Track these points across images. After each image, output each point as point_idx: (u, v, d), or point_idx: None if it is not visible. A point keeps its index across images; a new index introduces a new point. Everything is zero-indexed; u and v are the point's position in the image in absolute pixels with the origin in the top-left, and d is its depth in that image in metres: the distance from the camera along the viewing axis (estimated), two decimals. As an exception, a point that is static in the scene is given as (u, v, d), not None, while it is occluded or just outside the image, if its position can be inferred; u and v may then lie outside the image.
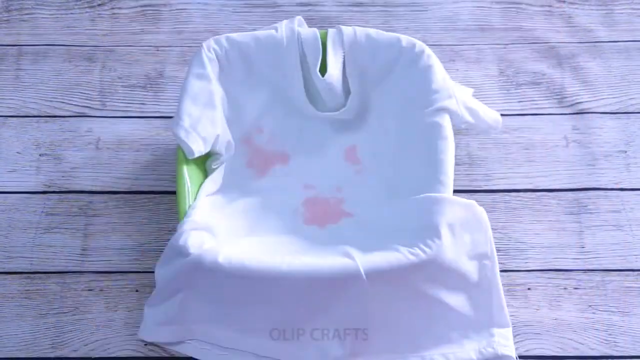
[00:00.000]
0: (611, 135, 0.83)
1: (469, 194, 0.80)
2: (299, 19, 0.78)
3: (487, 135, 0.82)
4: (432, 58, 0.74)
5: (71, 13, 0.93)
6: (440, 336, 0.68)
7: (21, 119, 0.85)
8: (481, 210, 0.68)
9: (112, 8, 0.93)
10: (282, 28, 0.76)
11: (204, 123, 0.71)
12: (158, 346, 0.72)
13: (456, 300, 0.67)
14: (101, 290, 0.75)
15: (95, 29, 0.92)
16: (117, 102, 0.86)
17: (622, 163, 0.82)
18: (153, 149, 0.83)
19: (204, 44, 0.74)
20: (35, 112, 0.86)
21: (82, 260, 0.77)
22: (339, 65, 0.76)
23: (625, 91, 0.86)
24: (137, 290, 0.75)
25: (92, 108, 0.86)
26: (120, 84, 0.88)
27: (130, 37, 0.91)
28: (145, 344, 0.72)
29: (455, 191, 0.69)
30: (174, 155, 0.80)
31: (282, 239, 0.72)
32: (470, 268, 0.67)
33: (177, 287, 0.67)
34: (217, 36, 0.75)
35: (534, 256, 0.76)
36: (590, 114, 0.85)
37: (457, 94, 0.73)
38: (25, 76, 0.88)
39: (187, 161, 0.71)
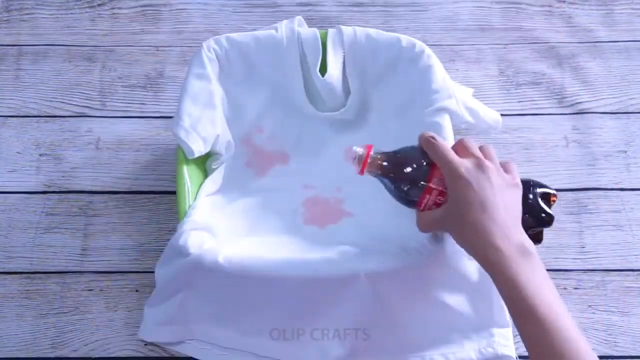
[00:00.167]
0: (611, 135, 0.83)
1: (469, 194, 0.79)
2: (299, 19, 0.78)
3: (487, 135, 0.82)
4: (432, 58, 0.74)
5: (71, 13, 0.93)
6: (440, 336, 0.68)
7: (21, 119, 0.85)
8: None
9: (112, 8, 0.93)
10: (282, 28, 0.76)
11: (204, 123, 0.71)
12: (158, 346, 0.72)
13: (456, 300, 0.67)
14: (101, 290, 0.75)
15: (95, 29, 0.92)
16: (117, 102, 0.86)
17: (622, 163, 0.82)
18: (153, 149, 0.83)
19: (204, 44, 0.74)
20: (35, 112, 0.86)
21: (82, 260, 0.77)
22: (339, 65, 0.76)
23: (625, 91, 0.86)
24: (137, 290, 0.75)
25: (92, 108, 0.86)
26: (120, 84, 0.88)
27: (130, 37, 0.91)
28: (145, 344, 0.72)
29: (455, 191, 0.69)
30: (174, 155, 0.80)
31: (282, 239, 0.72)
32: (470, 268, 0.67)
33: (177, 287, 0.67)
34: (217, 36, 0.75)
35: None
36: (590, 114, 0.85)
37: (457, 94, 0.73)
38: (25, 76, 0.88)
39: (187, 161, 0.71)
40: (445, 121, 0.71)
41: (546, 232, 0.77)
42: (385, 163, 0.61)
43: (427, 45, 0.75)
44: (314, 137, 0.79)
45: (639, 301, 0.74)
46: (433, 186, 0.60)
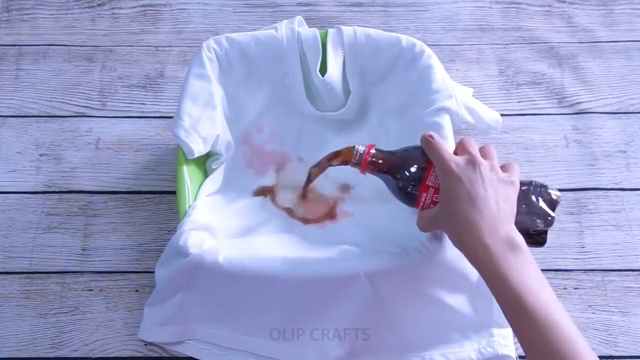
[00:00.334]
0: (611, 135, 0.83)
1: (469, 194, 0.79)
2: (299, 19, 0.78)
3: (487, 135, 0.82)
4: (432, 58, 0.74)
5: (71, 13, 0.93)
6: (440, 336, 0.68)
7: (21, 119, 0.85)
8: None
9: (112, 8, 0.93)
10: (282, 28, 0.76)
11: (204, 123, 0.71)
12: (158, 346, 0.72)
13: (456, 300, 0.67)
14: (101, 290, 0.75)
15: (95, 29, 0.92)
16: (117, 102, 0.86)
17: (622, 163, 0.82)
18: (153, 149, 0.83)
19: (204, 44, 0.74)
20: (35, 112, 0.86)
21: (82, 260, 0.77)
22: (339, 65, 0.76)
23: (625, 91, 0.86)
24: (137, 290, 0.75)
25: (92, 108, 0.86)
26: (120, 84, 0.88)
27: (130, 37, 0.91)
28: (145, 344, 0.72)
29: (455, 191, 0.69)
30: (174, 155, 0.80)
31: (282, 238, 0.72)
32: (470, 268, 0.67)
33: (177, 287, 0.67)
34: (217, 36, 0.75)
35: (533, 256, 0.76)
36: (590, 114, 0.85)
37: (457, 94, 0.73)
38: (25, 76, 0.88)
39: (187, 161, 0.71)
40: (445, 121, 0.71)
41: (546, 232, 0.77)
42: (386, 161, 0.62)
43: (427, 45, 0.75)
44: (314, 137, 0.79)
45: (639, 301, 0.74)
46: (429, 184, 0.60)
